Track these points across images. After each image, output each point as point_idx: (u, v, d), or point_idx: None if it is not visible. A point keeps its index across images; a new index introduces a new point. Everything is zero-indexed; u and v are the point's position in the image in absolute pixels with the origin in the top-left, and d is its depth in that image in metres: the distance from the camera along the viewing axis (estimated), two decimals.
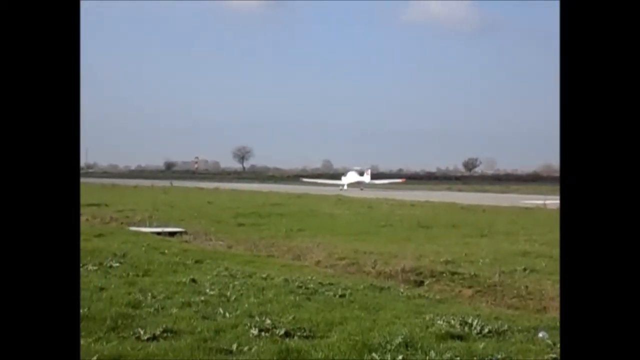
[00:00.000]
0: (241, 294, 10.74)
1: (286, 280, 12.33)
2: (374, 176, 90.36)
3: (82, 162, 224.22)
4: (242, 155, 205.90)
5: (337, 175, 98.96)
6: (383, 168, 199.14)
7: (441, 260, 16.87)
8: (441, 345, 7.84)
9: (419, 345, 7.74)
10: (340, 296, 10.94)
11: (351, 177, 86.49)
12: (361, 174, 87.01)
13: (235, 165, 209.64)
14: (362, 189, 75.92)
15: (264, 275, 12.94)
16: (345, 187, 79.56)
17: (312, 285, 11.85)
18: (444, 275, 15.26)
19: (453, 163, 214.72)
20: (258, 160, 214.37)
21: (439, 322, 8.98)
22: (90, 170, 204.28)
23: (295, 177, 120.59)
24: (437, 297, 12.19)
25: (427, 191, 71.18)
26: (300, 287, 11.68)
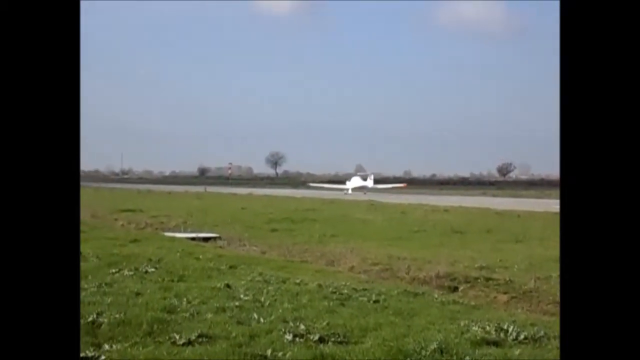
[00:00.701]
0: (275, 300, 10.76)
1: (320, 285, 12.33)
2: (377, 181, 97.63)
3: (118, 168, 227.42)
4: (275, 160, 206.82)
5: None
6: (416, 173, 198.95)
7: (476, 265, 16.73)
8: (477, 351, 7.78)
9: (454, 351, 7.68)
10: (374, 302, 10.91)
11: (355, 181, 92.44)
12: (364, 178, 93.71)
13: (268, 170, 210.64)
14: (365, 193, 79.98)
15: (297, 281, 12.94)
16: (350, 192, 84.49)
17: (346, 291, 11.83)
18: (479, 281, 15.13)
19: (487, 168, 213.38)
20: (291, 165, 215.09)
21: (474, 328, 8.90)
22: (126, 176, 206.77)
23: (329, 182, 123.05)
24: (472, 303, 12.08)
25: (461, 196, 70.71)
26: (334, 292, 11.67)
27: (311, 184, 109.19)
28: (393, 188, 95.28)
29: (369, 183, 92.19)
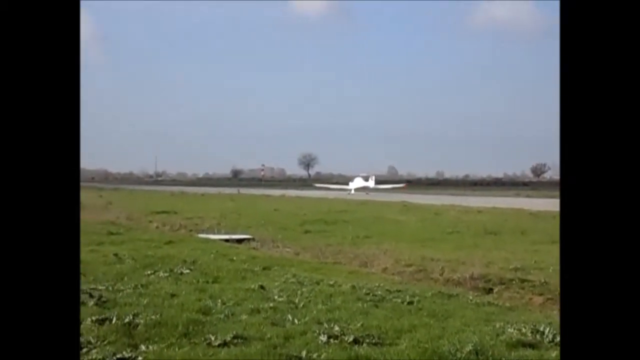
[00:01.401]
0: (309, 301, 10.78)
1: (353, 287, 12.31)
2: (379, 182, 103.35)
3: (152, 171, 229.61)
4: (307, 162, 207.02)
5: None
6: (449, 174, 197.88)
7: (510, 267, 16.56)
8: (512, 353, 7.71)
9: (490, 353, 7.63)
10: (409, 303, 10.87)
11: (358, 182, 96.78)
12: (366, 179, 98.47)
13: (301, 172, 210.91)
14: (367, 193, 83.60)
15: (331, 282, 12.95)
16: (353, 192, 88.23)
17: (379, 292, 11.80)
18: (514, 282, 14.97)
19: (521, 169, 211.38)
20: (323, 167, 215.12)
21: (509, 330, 8.82)
22: (160, 179, 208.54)
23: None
24: (507, 304, 11.97)
25: (494, 197, 70.16)
26: (368, 294, 11.64)
27: (316, 185, 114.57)
28: (393, 189, 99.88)
29: (371, 184, 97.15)
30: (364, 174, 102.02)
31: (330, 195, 73.62)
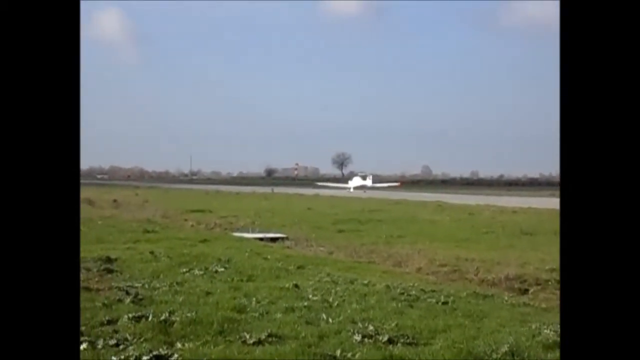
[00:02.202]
0: (343, 300, 10.78)
1: (388, 286, 12.28)
2: (376, 181, 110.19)
3: (187, 170, 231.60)
4: (341, 161, 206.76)
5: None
6: (483, 174, 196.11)
7: (546, 268, 16.35)
8: (549, 354, 7.62)
9: (526, 354, 7.56)
10: (443, 303, 10.81)
11: (356, 181, 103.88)
12: (364, 178, 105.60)
13: (335, 171, 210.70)
14: (365, 191, 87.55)
15: (365, 282, 12.93)
16: (352, 190, 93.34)
17: (414, 292, 11.76)
18: (549, 283, 14.78)
19: (557, 169, 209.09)
20: (357, 166, 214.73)
21: (545, 331, 8.71)
22: (194, 177, 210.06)
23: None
24: (543, 305, 11.82)
25: (529, 197, 69.51)
26: (402, 293, 11.60)
27: (318, 183, 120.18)
28: (389, 187, 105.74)
29: (368, 182, 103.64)
30: (363, 173, 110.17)
31: (364, 194, 73.66)
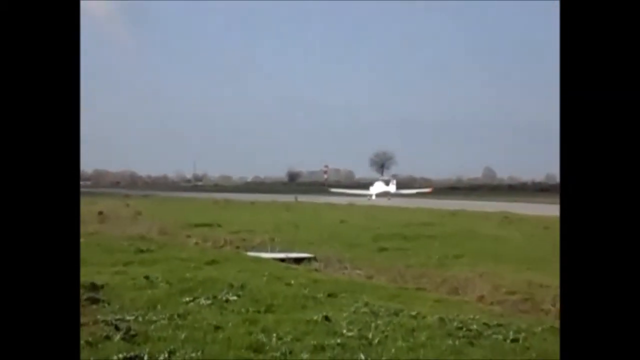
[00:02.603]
0: (386, 336, 10.76)
1: (442, 319, 12.24)
2: (400, 186, 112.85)
3: (190, 174, 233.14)
4: (381, 162, 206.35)
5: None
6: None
7: None
8: None
9: None
10: (512, 341, 10.74)
11: (378, 187, 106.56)
12: (387, 183, 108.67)
13: (373, 174, 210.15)
14: (389, 199, 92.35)
15: (413, 313, 12.89)
16: (374, 197, 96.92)
17: (475, 327, 11.71)
18: None
19: None
20: (401, 168, 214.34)
21: None
22: (199, 183, 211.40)
23: (450, 189, 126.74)
24: None
25: None
26: (460, 328, 11.57)
27: (332, 190, 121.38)
28: (418, 194, 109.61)
29: (392, 188, 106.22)
30: (385, 178, 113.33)
31: (412, 203, 73.50)
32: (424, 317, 12.54)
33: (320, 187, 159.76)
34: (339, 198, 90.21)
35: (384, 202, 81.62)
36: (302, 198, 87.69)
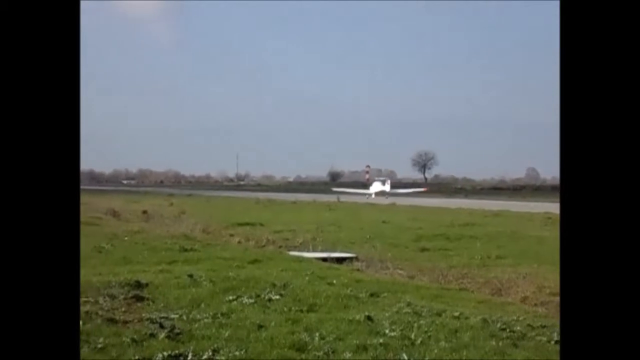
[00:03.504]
0: (429, 337, 10.71)
1: (485, 320, 12.16)
2: (394, 186, 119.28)
3: (232, 173, 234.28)
4: (423, 162, 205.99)
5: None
6: None
7: None
8: None
9: None
10: (557, 342, 10.62)
11: (376, 186, 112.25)
12: (383, 183, 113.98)
13: (415, 175, 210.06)
14: (386, 197, 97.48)
15: (456, 314, 12.82)
16: (373, 196, 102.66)
17: (518, 328, 11.62)
18: None
19: None
20: (443, 168, 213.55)
21: None
22: (242, 183, 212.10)
23: (493, 189, 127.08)
24: None
25: None
26: (504, 329, 11.48)
27: (334, 189, 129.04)
28: (413, 192, 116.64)
29: (387, 188, 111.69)
30: (382, 179, 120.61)
31: (452, 203, 73.14)
32: (467, 318, 12.47)
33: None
34: (381, 198, 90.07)
35: (382, 200, 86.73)
36: (344, 198, 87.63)
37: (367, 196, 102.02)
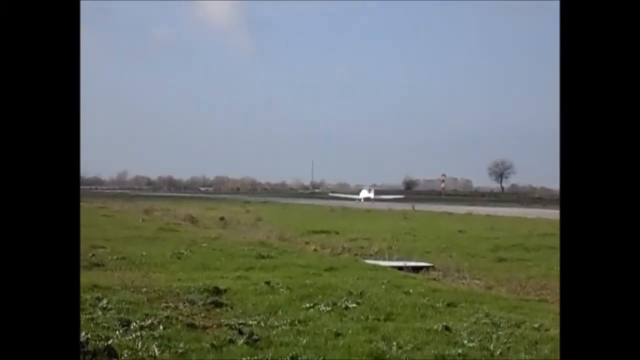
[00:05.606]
0: (508, 348, 10.62)
1: None
2: (378, 192, 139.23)
3: (307, 181, 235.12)
4: (500, 172, 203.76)
5: None
6: None
7: None
8: None
9: None
10: None
11: (363, 193, 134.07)
12: (369, 191, 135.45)
13: (492, 184, 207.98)
14: (372, 203, 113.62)
15: (535, 325, 12.66)
16: (362, 201, 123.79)
17: None
18: None
19: None
20: (521, 178, 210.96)
21: None
22: (317, 191, 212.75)
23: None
24: None
25: None
26: None
27: (330, 194, 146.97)
28: (393, 199, 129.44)
29: (372, 195, 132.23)
30: (368, 187, 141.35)
31: (530, 213, 72.19)
32: (547, 330, 12.29)
33: (437, 195, 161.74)
34: (457, 207, 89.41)
35: (368, 204, 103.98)
36: (419, 207, 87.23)
37: (357, 201, 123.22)
